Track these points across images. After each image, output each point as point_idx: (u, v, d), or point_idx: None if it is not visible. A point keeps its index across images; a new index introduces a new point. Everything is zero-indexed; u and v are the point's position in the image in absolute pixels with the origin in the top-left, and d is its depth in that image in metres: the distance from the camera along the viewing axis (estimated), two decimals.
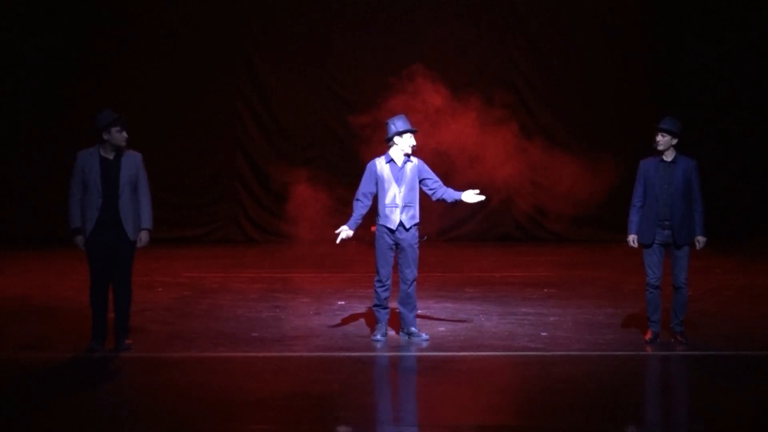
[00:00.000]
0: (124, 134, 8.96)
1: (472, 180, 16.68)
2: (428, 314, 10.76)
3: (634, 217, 9.44)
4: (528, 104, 18.91)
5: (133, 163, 9.02)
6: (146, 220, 9.08)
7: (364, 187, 9.59)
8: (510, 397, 7.94)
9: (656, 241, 9.33)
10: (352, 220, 9.59)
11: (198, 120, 18.51)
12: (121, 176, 8.93)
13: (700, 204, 9.35)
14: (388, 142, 9.63)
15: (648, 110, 16.51)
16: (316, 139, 18.46)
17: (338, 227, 9.58)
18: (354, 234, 9.65)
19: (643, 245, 9.40)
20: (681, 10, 18.49)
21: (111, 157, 8.96)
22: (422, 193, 9.66)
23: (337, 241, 9.65)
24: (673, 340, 9.41)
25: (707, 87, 18.34)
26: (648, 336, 9.47)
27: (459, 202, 9.65)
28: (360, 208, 9.59)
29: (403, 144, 9.54)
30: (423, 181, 9.60)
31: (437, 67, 15.31)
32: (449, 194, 9.59)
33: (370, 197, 9.58)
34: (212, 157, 18.73)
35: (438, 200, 9.63)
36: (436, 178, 9.64)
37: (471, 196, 9.55)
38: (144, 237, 9.08)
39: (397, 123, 9.58)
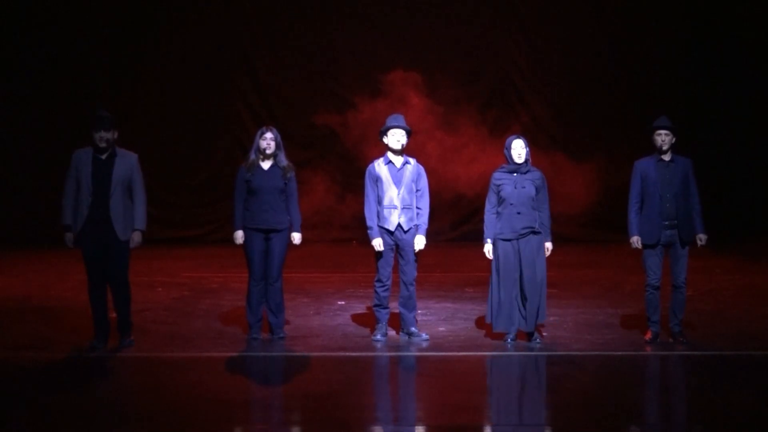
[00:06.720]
0: (102, 134, 8.86)
1: (471, 179, 16.74)
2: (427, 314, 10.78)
3: (634, 219, 9.36)
4: (528, 104, 18.90)
5: (126, 163, 8.97)
6: (139, 221, 9.02)
7: (369, 194, 9.49)
8: (510, 397, 7.94)
9: (660, 242, 9.30)
10: (374, 230, 9.47)
11: (198, 120, 18.51)
12: (113, 176, 8.88)
13: (698, 202, 9.34)
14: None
15: (648, 110, 16.50)
16: (316, 139, 18.45)
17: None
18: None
19: (645, 246, 9.36)
20: (681, 10, 18.50)
21: (104, 156, 8.95)
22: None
23: (379, 249, 9.54)
24: (672, 340, 9.41)
25: (707, 87, 18.34)
26: (648, 336, 9.46)
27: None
28: (375, 215, 9.49)
29: (391, 141, 9.47)
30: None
31: (437, 66, 15.34)
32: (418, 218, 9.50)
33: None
34: (212, 157, 18.73)
35: None
36: (423, 192, 9.51)
37: (419, 243, 9.49)
38: (136, 237, 9.03)
39: (386, 121, 9.56)
